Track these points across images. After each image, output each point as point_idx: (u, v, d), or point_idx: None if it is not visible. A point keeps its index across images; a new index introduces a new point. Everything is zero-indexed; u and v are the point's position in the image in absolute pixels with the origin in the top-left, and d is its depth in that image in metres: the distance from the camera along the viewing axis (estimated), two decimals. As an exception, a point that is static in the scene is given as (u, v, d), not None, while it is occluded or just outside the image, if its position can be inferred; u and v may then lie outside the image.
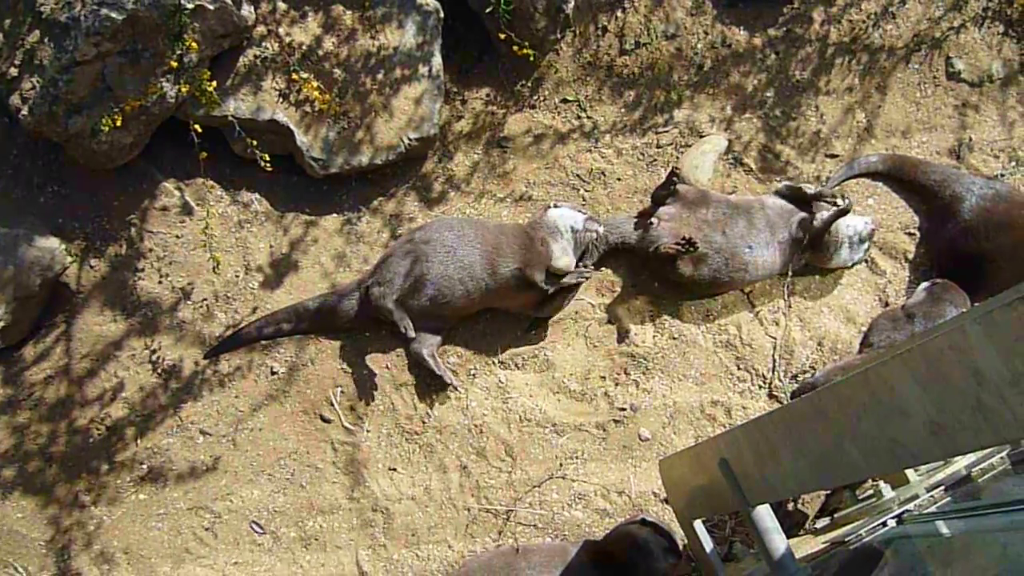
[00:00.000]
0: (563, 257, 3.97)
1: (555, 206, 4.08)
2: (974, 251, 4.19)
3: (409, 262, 3.85)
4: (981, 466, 2.97)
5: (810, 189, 4.21)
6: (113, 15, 3.45)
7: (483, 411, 4.01)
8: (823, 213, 4.14)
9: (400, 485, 3.91)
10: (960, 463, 3.01)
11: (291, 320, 3.96)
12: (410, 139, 4.06)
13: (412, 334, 3.83)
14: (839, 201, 4.14)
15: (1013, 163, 4.51)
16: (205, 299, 3.98)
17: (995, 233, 4.17)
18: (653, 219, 4.08)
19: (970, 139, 4.52)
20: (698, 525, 3.08)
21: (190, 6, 3.54)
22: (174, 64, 3.54)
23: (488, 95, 4.40)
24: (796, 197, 4.22)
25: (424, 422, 3.99)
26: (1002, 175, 4.46)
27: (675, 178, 4.05)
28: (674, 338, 4.16)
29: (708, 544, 3.08)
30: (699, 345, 4.16)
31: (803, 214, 4.16)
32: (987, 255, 4.16)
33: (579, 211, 4.08)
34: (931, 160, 4.46)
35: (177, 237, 4.01)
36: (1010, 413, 1.31)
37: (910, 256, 4.37)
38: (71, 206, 4.00)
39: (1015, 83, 4.60)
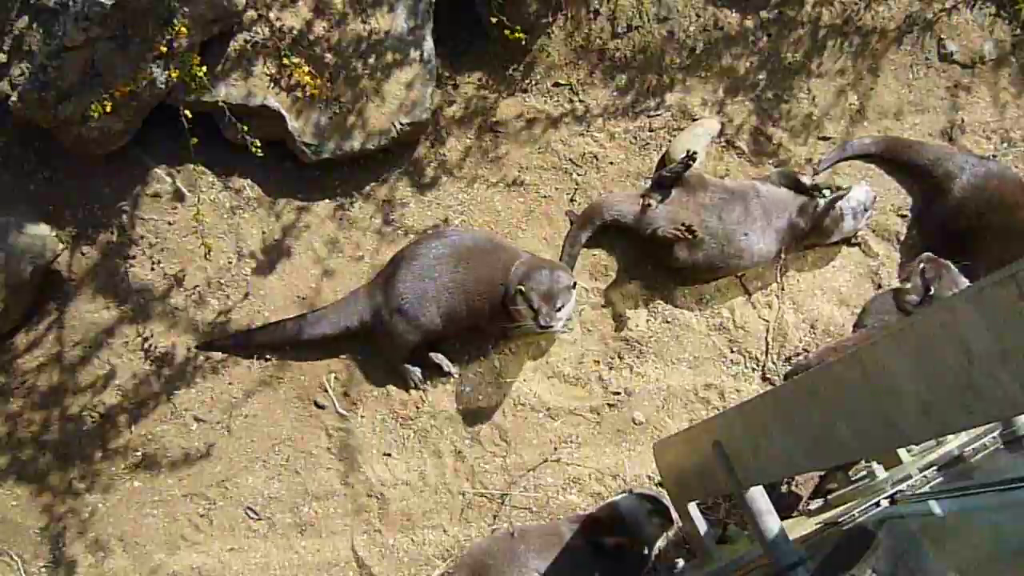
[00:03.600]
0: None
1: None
2: (965, 230, 4.19)
3: (422, 311, 3.85)
4: (973, 446, 2.98)
5: (806, 179, 4.21)
6: (102, 0, 3.42)
7: (477, 396, 4.02)
8: (821, 200, 4.14)
9: (395, 470, 3.91)
10: (953, 443, 3.02)
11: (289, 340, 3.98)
12: (402, 124, 4.04)
13: (421, 386, 4.01)
14: (830, 191, 4.16)
15: (1005, 144, 4.51)
16: (197, 285, 3.97)
17: (986, 211, 4.17)
18: (651, 201, 4.07)
19: (962, 120, 4.52)
20: (692, 508, 3.09)
21: (179, -9, 3.52)
22: (163, 49, 3.52)
23: (480, 79, 4.39)
24: (792, 185, 4.22)
25: (418, 407, 3.99)
26: (994, 156, 4.47)
27: (691, 159, 4.02)
28: (668, 322, 4.16)
29: (703, 527, 3.09)
30: (693, 329, 4.17)
31: (803, 199, 4.16)
32: (977, 234, 4.17)
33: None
34: (924, 140, 4.46)
35: (169, 224, 3.99)
36: (1001, 391, 1.31)
37: (903, 238, 4.38)
38: (62, 193, 3.97)
39: (1007, 64, 4.60)
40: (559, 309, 3.68)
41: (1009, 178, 4.27)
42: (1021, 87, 4.58)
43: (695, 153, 4.03)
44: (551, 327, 3.68)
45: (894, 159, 4.46)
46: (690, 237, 3.93)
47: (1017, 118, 4.56)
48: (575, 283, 3.86)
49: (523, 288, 3.68)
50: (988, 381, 1.33)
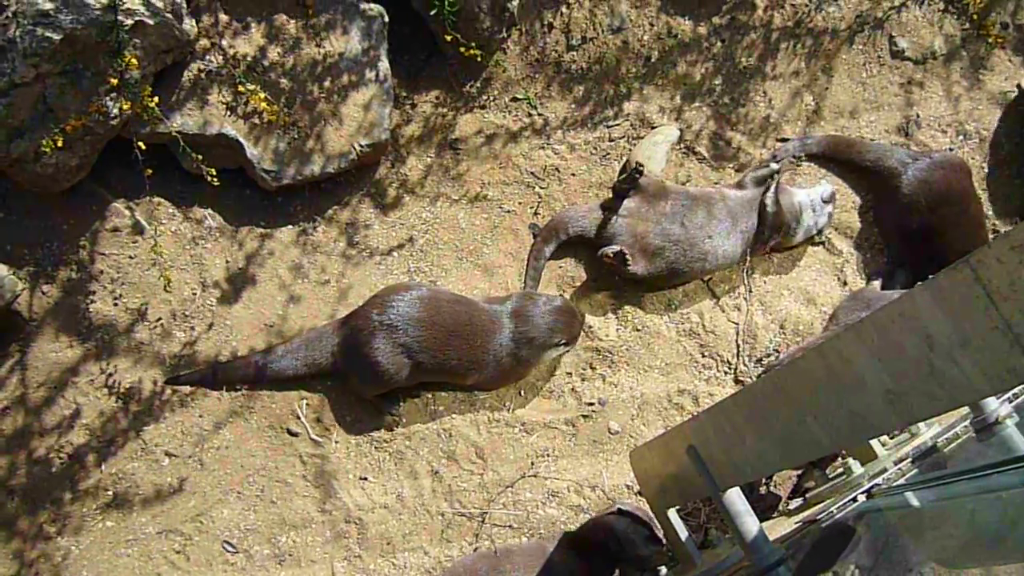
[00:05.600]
0: None
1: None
2: (920, 226, 4.22)
3: (393, 367, 3.77)
4: (946, 436, 3.00)
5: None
6: (50, 35, 3.38)
7: (451, 415, 3.99)
8: (768, 195, 4.16)
9: (372, 494, 3.88)
10: (926, 434, 3.04)
11: (256, 377, 3.93)
12: (361, 146, 4.02)
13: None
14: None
15: (961, 137, 4.57)
16: (161, 319, 3.91)
17: (937, 204, 4.21)
18: (612, 214, 4.09)
19: (917, 116, 4.58)
20: (672, 514, 3.08)
21: (129, 22, 3.48)
22: (115, 82, 3.48)
23: (438, 97, 4.38)
24: (761, 183, 4.23)
25: (392, 429, 3.96)
26: (951, 149, 4.52)
27: (637, 172, 4.04)
28: (638, 330, 4.17)
29: (683, 532, 3.08)
30: (663, 335, 4.17)
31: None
32: (934, 228, 4.20)
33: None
34: (863, 140, 4.49)
35: (130, 258, 3.94)
36: (963, 375, 1.31)
37: (865, 235, 4.42)
38: (19, 232, 3.90)
39: (958, 58, 4.66)
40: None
41: (955, 166, 4.29)
42: (973, 80, 4.65)
43: (641, 166, 4.05)
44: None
45: (837, 159, 4.50)
46: (620, 266, 3.99)
47: (971, 111, 4.62)
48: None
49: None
50: (949, 367, 1.33)
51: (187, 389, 3.88)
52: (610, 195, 4.20)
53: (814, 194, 4.27)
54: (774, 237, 4.23)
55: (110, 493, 3.77)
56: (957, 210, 4.22)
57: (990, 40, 4.70)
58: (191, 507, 3.80)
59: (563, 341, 3.90)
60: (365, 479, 3.89)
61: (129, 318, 3.90)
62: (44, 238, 3.91)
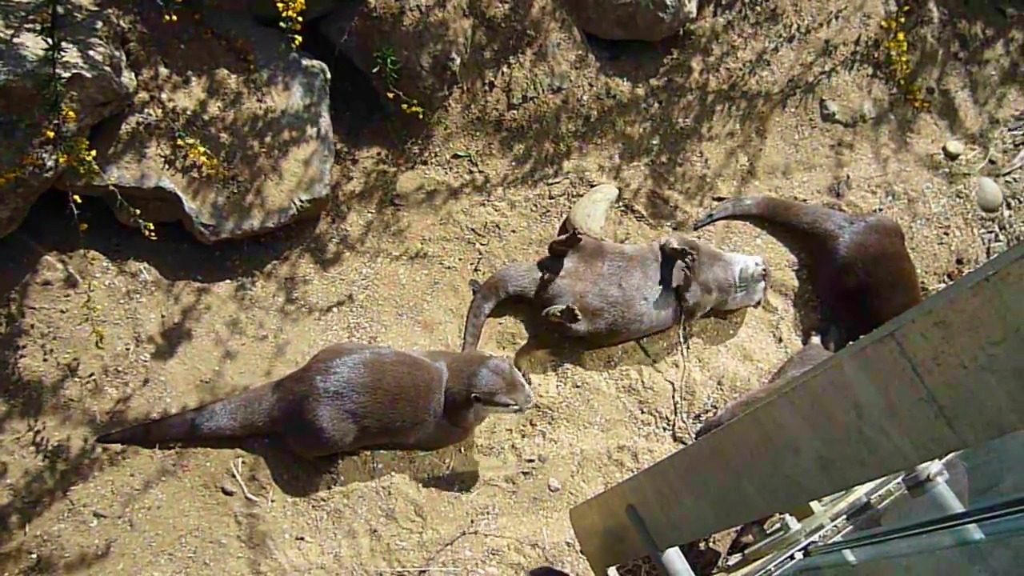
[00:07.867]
0: None
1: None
2: (856, 287, 4.34)
3: (337, 430, 3.72)
4: (879, 492, 3.05)
5: (672, 243, 4.25)
6: (-16, 87, 3.33)
7: (390, 472, 3.95)
8: (676, 270, 4.19)
9: (309, 554, 3.80)
10: (860, 491, 3.08)
11: (190, 435, 3.84)
12: (301, 201, 4.01)
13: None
14: (686, 260, 4.19)
15: (889, 197, 4.72)
16: (92, 374, 3.82)
17: (873, 266, 4.33)
18: (550, 274, 4.12)
19: (847, 176, 4.72)
20: (612, 573, 3.08)
21: (66, 75, 3.44)
22: (50, 134, 3.43)
23: (379, 153, 4.40)
24: (674, 256, 4.25)
25: (330, 488, 3.89)
26: (880, 209, 4.66)
27: (576, 237, 4.09)
28: (577, 386, 4.18)
29: (622, 592, 3.08)
30: (602, 392, 4.19)
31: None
32: (869, 289, 4.31)
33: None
34: (800, 202, 4.61)
35: (62, 312, 3.85)
36: (891, 444, 1.35)
37: (799, 292, 4.51)
38: (-55, 286, 3.81)
39: (886, 121, 4.83)
40: (526, 384, 3.85)
41: (888, 230, 4.43)
42: (900, 143, 4.81)
43: (574, 228, 4.14)
44: (530, 403, 3.83)
45: (774, 221, 4.60)
46: (567, 323, 4.03)
47: (898, 172, 4.78)
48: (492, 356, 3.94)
49: (482, 396, 3.75)
50: (878, 435, 1.37)
51: (118, 447, 3.78)
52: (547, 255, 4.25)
53: (746, 271, 4.28)
54: (695, 313, 4.27)
55: (34, 556, 3.64)
56: (891, 271, 4.34)
57: (916, 104, 4.88)
58: (120, 570, 3.68)
59: (513, 404, 3.79)
60: (302, 539, 3.82)
61: (59, 374, 3.80)
62: (-28, 292, 3.82)
